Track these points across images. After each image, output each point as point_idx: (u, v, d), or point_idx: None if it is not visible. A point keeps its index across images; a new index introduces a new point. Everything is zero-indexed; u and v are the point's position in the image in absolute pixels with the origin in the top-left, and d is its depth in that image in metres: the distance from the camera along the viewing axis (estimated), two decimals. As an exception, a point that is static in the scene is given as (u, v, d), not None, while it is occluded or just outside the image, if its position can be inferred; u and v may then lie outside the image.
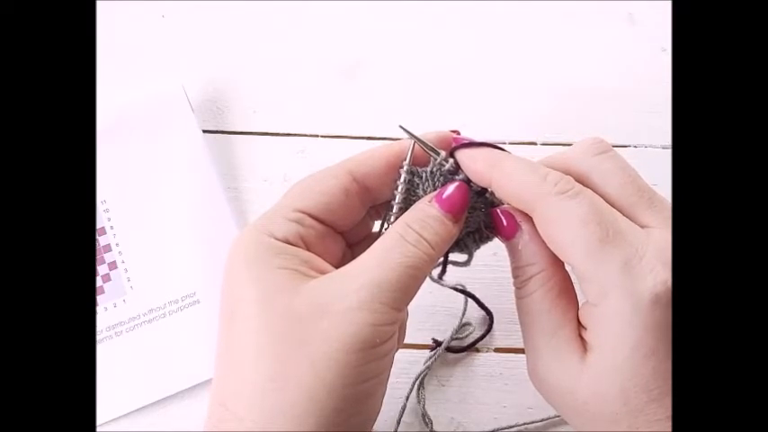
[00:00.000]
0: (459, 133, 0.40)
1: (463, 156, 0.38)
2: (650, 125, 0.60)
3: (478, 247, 0.41)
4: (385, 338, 0.33)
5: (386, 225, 0.40)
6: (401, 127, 0.38)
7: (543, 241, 0.36)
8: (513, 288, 0.39)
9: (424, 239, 0.35)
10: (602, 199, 0.34)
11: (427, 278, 0.37)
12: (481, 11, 0.66)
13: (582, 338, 0.35)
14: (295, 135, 0.62)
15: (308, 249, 0.36)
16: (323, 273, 0.35)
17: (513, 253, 0.38)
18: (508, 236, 0.38)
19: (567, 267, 0.37)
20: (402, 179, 0.38)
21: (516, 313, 0.39)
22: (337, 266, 0.35)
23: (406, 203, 0.38)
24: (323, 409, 0.31)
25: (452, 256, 0.41)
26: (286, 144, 0.61)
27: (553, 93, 0.62)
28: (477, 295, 0.54)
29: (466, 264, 0.41)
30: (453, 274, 0.42)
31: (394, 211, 0.38)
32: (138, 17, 0.66)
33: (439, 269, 0.41)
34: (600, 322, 0.33)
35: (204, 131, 0.61)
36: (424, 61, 0.64)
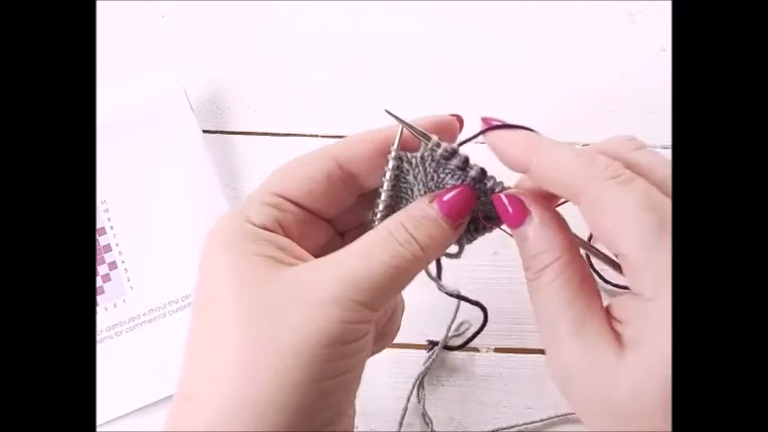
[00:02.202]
0: (460, 117, 0.38)
1: (497, 138, 0.35)
2: (650, 125, 0.60)
3: (474, 239, 0.39)
4: (357, 337, 0.32)
5: (376, 213, 0.37)
6: (387, 111, 0.36)
7: (557, 226, 0.34)
8: (527, 281, 0.35)
9: (415, 240, 0.33)
10: (654, 188, 0.31)
11: (425, 279, 0.37)
12: (481, 11, 0.66)
13: (614, 331, 0.32)
14: (295, 135, 0.62)
15: (287, 235, 0.34)
16: (301, 260, 0.33)
17: (523, 242, 0.35)
18: (515, 223, 0.35)
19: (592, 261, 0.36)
20: (390, 165, 0.36)
21: (515, 313, 0.39)
22: (321, 255, 0.34)
23: (396, 191, 0.37)
24: (286, 402, 0.30)
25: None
26: (286, 144, 0.61)
27: (553, 93, 0.62)
28: (477, 295, 0.53)
29: (456, 256, 0.39)
30: (453, 274, 0.41)
31: (382, 198, 0.37)
32: (138, 17, 0.66)
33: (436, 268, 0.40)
34: (651, 317, 0.30)
35: (204, 131, 0.61)
36: (424, 61, 0.64)
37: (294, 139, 0.62)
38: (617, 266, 0.35)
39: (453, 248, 0.38)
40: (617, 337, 0.31)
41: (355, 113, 0.62)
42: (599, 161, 0.32)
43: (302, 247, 0.35)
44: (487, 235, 0.39)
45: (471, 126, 0.36)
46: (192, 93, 0.62)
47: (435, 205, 0.35)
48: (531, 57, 0.64)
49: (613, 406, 0.30)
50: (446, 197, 0.35)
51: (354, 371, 0.33)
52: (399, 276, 0.33)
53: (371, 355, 0.42)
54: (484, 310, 0.44)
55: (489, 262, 0.54)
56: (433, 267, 0.40)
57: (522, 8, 0.66)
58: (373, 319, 0.33)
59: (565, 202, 0.36)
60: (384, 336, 0.41)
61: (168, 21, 0.66)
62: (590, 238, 0.51)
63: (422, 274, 0.37)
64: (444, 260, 0.40)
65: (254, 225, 0.34)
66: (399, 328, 0.43)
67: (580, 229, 0.36)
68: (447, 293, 0.40)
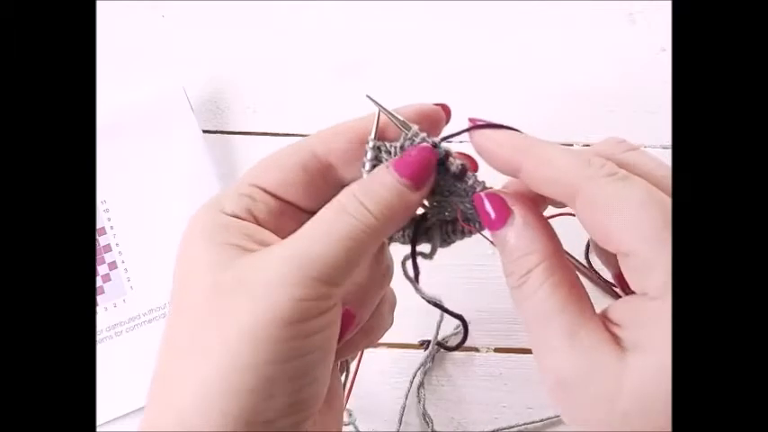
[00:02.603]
0: (446, 107, 0.37)
1: (484, 139, 0.34)
2: (650, 125, 0.60)
3: (451, 242, 0.36)
4: (315, 314, 0.30)
5: None
6: (368, 97, 0.35)
7: (542, 228, 0.33)
8: (510, 288, 0.33)
9: (366, 209, 0.32)
10: (654, 186, 0.31)
11: (425, 279, 0.36)
12: (481, 11, 0.66)
13: (613, 336, 0.30)
14: (295, 135, 0.62)
15: (262, 226, 0.34)
16: (264, 245, 0.33)
17: (504, 245, 0.33)
18: (497, 223, 0.33)
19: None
20: (368, 155, 0.35)
21: (515, 313, 0.38)
22: None
23: None
24: (236, 388, 0.29)
25: (420, 248, 0.37)
26: (286, 144, 0.61)
27: (553, 93, 0.62)
28: (476, 295, 0.54)
29: (428, 257, 0.37)
30: (451, 274, 0.41)
31: None
32: (138, 17, 0.66)
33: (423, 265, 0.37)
34: (658, 317, 0.29)
35: (204, 131, 0.61)
36: (423, 61, 0.64)
37: (294, 140, 0.61)
38: (606, 284, 0.35)
39: (426, 248, 0.37)
40: (616, 341, 0.30)
41: (355, 113, 0.62)
42: (594, 160, 0.31)
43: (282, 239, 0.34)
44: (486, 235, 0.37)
45: (466, 126, 0.35)
46: (192, 93, 0.62)
47: (392, 168, 0.33)
48: (531, 57, 0.64)
49: (615, 415, 0.29)
50: (402, 158, 0.34)
51: (315, 354, 0.31)
52: (353, 247, 0.31)
53: (360, 350, 0.41)
54: (464, 322, 0.41)
55: (489, 262, 0.54)
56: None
57: (522, 8, 0.66)
58: (336, 295, 0.31)
59: (556, 215, 0.36)
60: (371, 330, 0.39)
61: (168, 21, 0.66)
62: (587, 253, 0.50)
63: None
64: (442, 260, 0.39)
65: (226, 214, 0.33)
66: (391, 323, 0.41)
67: (569, 244, 0.35)
68: (426, 300, 0.37)
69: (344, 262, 0.31)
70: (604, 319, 0.32)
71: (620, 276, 0.34)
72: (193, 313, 0.31)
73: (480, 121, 0.35)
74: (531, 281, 0.32)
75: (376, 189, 0.33)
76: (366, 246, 0.32)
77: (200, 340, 0.30)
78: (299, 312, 0.30)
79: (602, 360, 0.29)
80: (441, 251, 0.37)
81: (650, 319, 0.29)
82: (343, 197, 0.33)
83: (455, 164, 0.34)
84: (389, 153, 0.35)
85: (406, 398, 0.52)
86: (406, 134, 0.34)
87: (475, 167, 0.36)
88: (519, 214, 0.33)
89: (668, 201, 0.30)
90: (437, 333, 0.53)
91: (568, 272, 0.32)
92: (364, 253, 0.32)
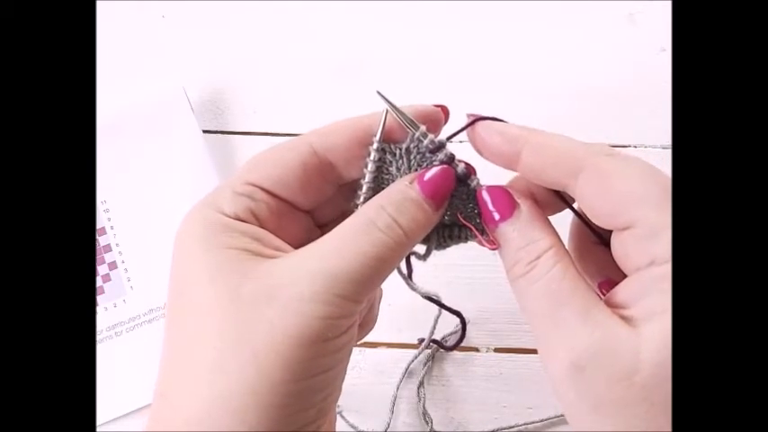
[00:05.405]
0: (445, 108, 0.37)
1: (485, 130, 0.34)
2: (650, 125, 0.60)
3: (447, 245, 0.37)
4: (339, 332, 0.30)
5: (357, 205, 0.35)
6: (378, 93, 0.34)
7: (545, 219, 0.34)
8: (515, 279, 0.33)
9: (399, 225, 0.32)
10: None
11: (425, 279, 0.36)
12: (481, 11, 0.66)
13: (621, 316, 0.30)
14: (295, 135, 0.61)
15: (262, 226, 0.33)
16: (279, 251, 0.32)
17: (510, 236, 0.33)
18: (503, 217, 0.34)
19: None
20: (372, 156, 0.34)
21: (515, 314, 0.39)
22: (299, 248, 0.32)
23: (377, 183, 0.35)
24: (265, 403, 0.28)
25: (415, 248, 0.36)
26: (286, 144, 0.61)
27: (553, 93, 0.62)
28: (476, 295, 0.54)
29: (423, 258, 0.37)
30: (451, 274, 0.41)
31: (363, 191, 0.34)
32: (138, 17, 0.66)
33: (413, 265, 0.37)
34: (669, 280, 0.29)
35: (204, 131, 0.61)
36: (423, 62, 0.64)
37: (294, 139, 0.61)
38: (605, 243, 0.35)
39: (420, 248, 0.36)
40: (625, 320, 0.30)
41: (355, 113, 0.62)
42: (591, 144, 0.33)
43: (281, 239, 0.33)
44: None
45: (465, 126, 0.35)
46: (192, 93, 0.62)
47: (416, 186, 0.33)
48: (532, 57, 0.64)
49: (635, 389, 0.28)
50: (427, 177, 0.33)
51: (337, 367, 0.31)
52: (381, 267, 0.31)
53: (355, 344, 0.41)
54: (461, 317, 0.41)
55: (490, 262, 0.54)
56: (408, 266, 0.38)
57: (522, 8, 0.66)
58: (357, 312, 0.31)
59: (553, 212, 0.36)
60: (364, 325, 0.40)
61: (168, 21, 0.66)
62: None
63: (417, 275, 0.37)
64: (443, 260, 0.39)
65: (226, 215, 0.32)
66: (377, 314, 0.41)
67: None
68: (423, 296, 0.37)
69: (373, 281, 0.31)
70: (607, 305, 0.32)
71: (604, 284, 0.35)
72: (210, 322, 0.30)
73: (474, 115, 0.35)
74: (542, 264, 0.32)
75: (407, 206, 0.32)
76: (393, 263, 0.32)
77: (223, 353, 0.29)
78: (326, 331, 0.29)
79: (617, 333, 0.29)
80: (442, 251, 0.37)
81: (661, 284, 0.29)
82: (371, 211, 0.32)
83: (460, 166, 0.34)
84: (394, 155, 0.34)
85: (398, 388, 0.53)
86: (413, 134, 0.34)
87: (474, 171, 0.36)
88: (525, 205, 0.34)
89: (664, 176, 0.31)
90: (434, 328, 0.53)
91: (571, 259, 0.33)
92: (390, 270, 0.32)
